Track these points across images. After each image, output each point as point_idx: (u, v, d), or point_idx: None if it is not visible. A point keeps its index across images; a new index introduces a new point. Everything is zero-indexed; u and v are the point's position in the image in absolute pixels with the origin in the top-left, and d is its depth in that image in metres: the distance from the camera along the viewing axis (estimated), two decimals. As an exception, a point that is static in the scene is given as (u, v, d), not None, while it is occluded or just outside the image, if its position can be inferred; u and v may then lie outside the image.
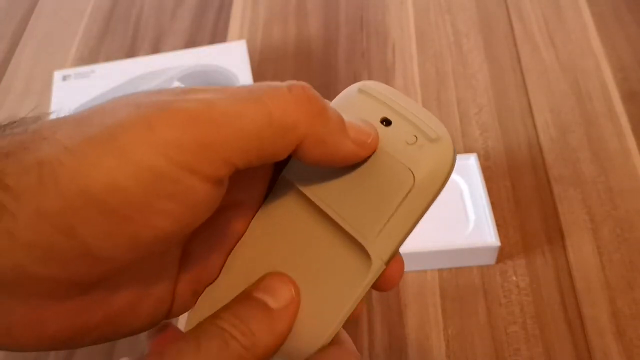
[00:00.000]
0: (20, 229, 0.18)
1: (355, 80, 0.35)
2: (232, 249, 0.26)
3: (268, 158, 0.21)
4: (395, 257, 0.24)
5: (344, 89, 0.26)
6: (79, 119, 0.20)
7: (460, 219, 0.49)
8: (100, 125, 0.19)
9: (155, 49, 0.67)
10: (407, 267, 0.50)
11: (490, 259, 0.48)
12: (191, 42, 0.67)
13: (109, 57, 0.66)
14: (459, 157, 0.52)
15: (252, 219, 0.26)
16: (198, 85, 0.26)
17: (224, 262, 0.25)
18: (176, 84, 0.58)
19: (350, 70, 0.63)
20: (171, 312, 0.24)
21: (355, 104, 0.25)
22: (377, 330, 0.45)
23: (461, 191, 0.50)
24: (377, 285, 0.24)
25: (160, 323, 0.24)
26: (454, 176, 0.51)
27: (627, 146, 0.54)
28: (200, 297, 0.25)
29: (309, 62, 0.64)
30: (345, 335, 0.24)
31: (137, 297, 0.23)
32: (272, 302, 0.23)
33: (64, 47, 0.68)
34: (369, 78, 0.62)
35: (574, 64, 0.61)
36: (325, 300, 0.23)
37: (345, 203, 0.24)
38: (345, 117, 0.23)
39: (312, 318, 0.23)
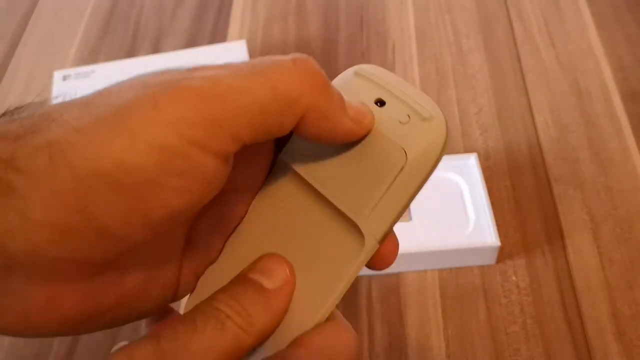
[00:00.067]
0: (33, 210, 0.18)
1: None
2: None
3: (274, 132, 0.21)
4: (389, 236, 0.24)
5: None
6: (86, 102, 0.20)
7: (460, 219, 0.49)
8: (108, 106, 0.19)
9: (155, 49, 0.67)
10: (407, 267, 0.50)
11: (490, 259, 0.48)
12: (191, 42, 0.67)
13: (109, 57, 0.66)
14: (459, 157, 0.52)
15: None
16: None
17: None
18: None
19: (350, 70, 0.63)
20: (177, 295, 0.25)
21: (351, 86, 0.25)
22: (377, 330, 0.45)
23: (461, 191, 0.50)
24: (371, 264, 0.24)
25: (164, 308, 0.25)
26: (454, 176, 0.51)
27: (627, 146, 0.54)
28: (199, 281, 0.26)
29: (309, 62, 0.64)
30: (338, 314, 0.24)
31: (146, 280, 0.23)
32: (267, 283, 0.23)
33: (64, 47, 0.68)
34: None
35: (574, 64, 0.61)
36: (320, 279, 0.24)
37: (340, 183, 0.24)
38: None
39: (307, 297, 0.24)
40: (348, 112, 0.23)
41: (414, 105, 0.24)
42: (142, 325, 0.25)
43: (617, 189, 0.51)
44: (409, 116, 0.24)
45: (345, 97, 0.23)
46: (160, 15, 0.71)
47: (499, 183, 0.52)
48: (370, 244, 0.23)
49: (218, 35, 0.68)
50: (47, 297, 0.20)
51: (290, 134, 0.23)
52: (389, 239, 0.24)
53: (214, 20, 0.69)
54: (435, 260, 0.47)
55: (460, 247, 0.47)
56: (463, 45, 0.64)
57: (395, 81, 0.25)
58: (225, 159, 0.20)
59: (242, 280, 0.24)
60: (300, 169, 0.25)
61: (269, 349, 0.23)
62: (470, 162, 0.52)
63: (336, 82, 0.26)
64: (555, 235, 0.49)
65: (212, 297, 0.23)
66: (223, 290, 0.23)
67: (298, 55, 0.22)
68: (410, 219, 0.49)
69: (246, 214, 0.26)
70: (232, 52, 0.61)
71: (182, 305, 0.25)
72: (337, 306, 0.24)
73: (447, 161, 0.51)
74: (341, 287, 0.23)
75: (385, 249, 0.24)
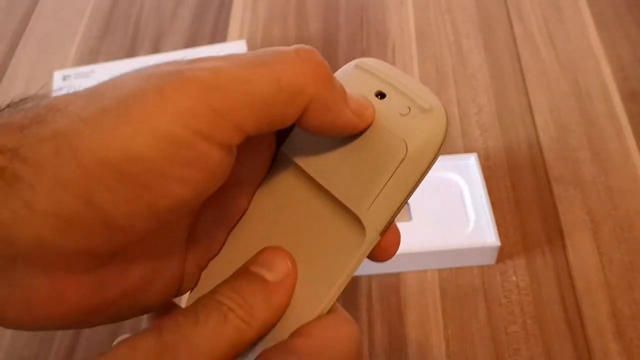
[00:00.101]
0: (39, 199, 0.18)
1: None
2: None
3: (277, 123, 0.21)
4: (390, 228, 0.24)
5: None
6: (90, 93, 0.20)
7: (460, 219, 0.49)
8: (113, 97, 0.19)
9: (155, 49, 0.67)
10: (407, 267, 0.50)
11: (490, 259, 0.48)
12: (191, 42, 0.67)
13: (109, 57, 0.66)
14: (459, 157, 0.52)
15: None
16: None
17: None
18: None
19: (350, 70, 0.63)
20: (181, 289, 0.25)
21: (351, 79, 0.25)
22: (377, 330, 0.45)
23: (461, 191, 0.50)
24: (373, 256, 0.25)
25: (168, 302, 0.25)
26: (454, 176, 0.51)
27: (627, 146, 0.54)
28: (202, 274, 0.26)
29: (309, 62, 0.64)
30: (340, 306, 0.24)
31: (150, 272, 0.23)
32: (269, 276, 0.23)
33: (64, 47, 0.68)
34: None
35: (574, 64, 0.61)
36: (322, 272, 0.24)
37: (341, 175, 0.24)
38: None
39: (309, 290, 0.24)
40: (350, 105, 0.23)
41: (414, 97, 0.24)
42: (143, 325, 0.25)
43: (617, 189, 0.51)
44: (409, 108, 0.24)
45: (347, 90, 0.23)
46: (160, 15, 0.71)
47: (499, 183, 0.52)
48: (372, 235, 0.24)
49: (218, 35, 0.68)
50: (51, 289, 0.20)
51: (292, 127, 0.23)
52: (390, 230, 0.24)
53: (214, 20, 0.69)
54: (435, 260, 0.47)
55: (460, 247, 0.47)
56: (463, 45, 0.64)
57: (395, 74, 0.25)
58: (229, 150, 0.20)
59: (244, 273, 0.24)
60: (302, 161, 0.25)
61: (271, 341, 0.23)
62: (470, 162, 0.52)
63: (337, 75, 0.26)
64: (555, 235, 0.49)
65: (214, 290, 0.23)
66: (225, 283, 0.23)
67: (301, 46, 0.22)
68: (410, 219, 0.49)
69: (248, 207, 0.26)
70: (232, 52, 0.61)
71: (184, 302, 0.25)
72: (338, 300, 0.24)
73: (447, 161, 0.51)
74: (342, 280, 0.24)
75: (387, 241, 0.24)
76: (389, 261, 0.45)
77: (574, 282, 0.47)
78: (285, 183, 0.26)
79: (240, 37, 0.67)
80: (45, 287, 0.20)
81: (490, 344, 0.44)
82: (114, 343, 0.21)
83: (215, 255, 0.26)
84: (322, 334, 0.23)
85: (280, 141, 0.26)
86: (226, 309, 0.22)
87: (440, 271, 0.48)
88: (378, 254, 0.25)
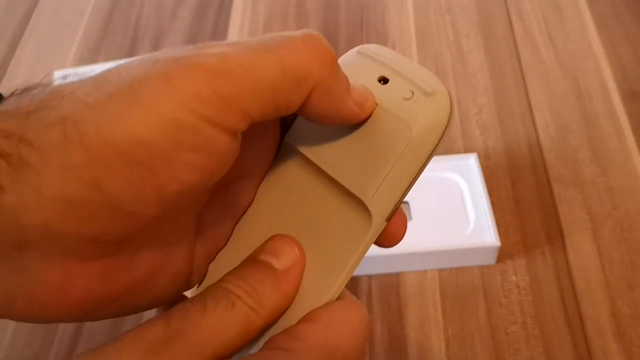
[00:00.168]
0: (46, 184, 0.18)
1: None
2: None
3: (282, 109, 0.21)
4: (396, 213, 0.24)
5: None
6: (96, 79, 0.20)
7: (460, 219, 0.49)
8: (119, 82, 0.19)
9: (155, 49, 0.67)
10: (407, 267, 0.50)
11: (490, 259, 0.48)
12: (191, 42, 0.67)
13: (109, 57, 0.66)
14: (459, 157, 0.52)
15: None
16: None
17: None
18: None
19: (350, 70, 0.63)
20: (189, 282, 0.25)
21: (354, 65, 0.25)
22: (377, 330, 0.45)
23: (461, 191, 0.50)
24: (380, 242, 0.24)
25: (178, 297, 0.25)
26: (454, 176, 0.51)
27: (627, 146, 0.54)
28: (209, 266, 0.26)
29: (309, 62, 0.64)
30: (348, 293, 0.24)
31: (158, 263, 0.23)
32: (276, 264, 0.23)
33: (64, 47, 0.68)
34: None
35: (574, 64, 0.61)
36: (329, 259, 0.24)
37: (346, 161, 0.24)
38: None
39: (317, 277, 0.24)
40: (352, 95, 0.23)
41: (417, 81, 0.24)
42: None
43: (617, 189, 0.51)
44: (412, 92, 0.24)
45: (350, 79, 0.23)
46: (160, 15, 0.71)
47: (499, 183, 0.52)
48: (378, 221, 0.23)
49: (218, 35, 0.68)
50: (60, 277, 0.20)
51: (295, 117, 0.22)
52: (396, 216, 0.24)
53: (214, 20, 0.69)
54: (435, 260, 0.47)
55: (460, 247, 0.47)
56: (463, 45, 0.64)
57: (397, 58, 0.25)
58: (234, 136, 0.20)
59: (252, 261, 0.24)
60: (306, 150, 0.25)
61: (279, 329, 0.23)
62: (470, 162, 0.52)
63: (340, 62, 0.26)
64: (555, 235, 0.49)
65: (223, 279, 0.23)
66: (233, 272, 0.23)
67: (307, 31, 0.22)
68: (410, 219, 0.49)
69: (254, 198, 0.26)
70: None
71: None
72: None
73: (447, 161, 0.51)
74: (350, 266, 0.23)
75: (393, 226, 0.24)
76: (389, 261, 0.45)
77: (574, 282, 0.47)
78: (290, 172, 0.26)
79: (240, 37, 0.67)
80: (54, 276, 0.20)
81: (490, 344, 0.44)
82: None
83: (223, 248, 0.26)
84: (330, 320, 0.22)
85: (284, 133, 0.26)
86: (234, 296, 0.22)
87: (440, 271, 0.48)
88: (385, 239, 0.24)
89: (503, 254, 0.48)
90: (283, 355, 0.21)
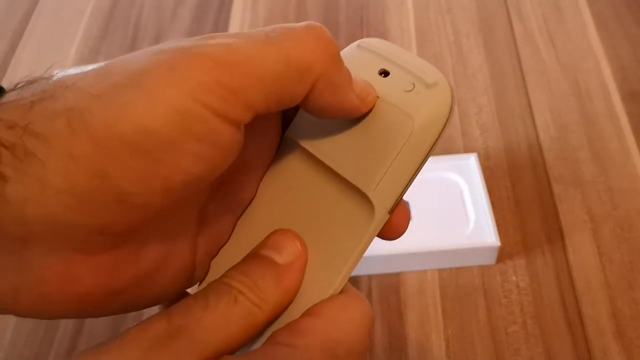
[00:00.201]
0: (51, 175, 0.18)
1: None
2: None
3: (286, 101, 0.21)
4: (399, 205, 0.24)
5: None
6: (99, 70, 0.20)
7: (460, 219, 0.49)
8: (124, 72, 0.19)
9: (155, 49, 0.67)
10: (407, 267, 0.50)
11: (490, 259, 0.48)
12: (191, 42, 0.67)
13: (109, 57, 0.66)
14: (459, 157, 0.52)
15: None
16: None
17: None
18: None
19: (350, 70, 0.63)
20: (192, 279, 0.25)
21: (354, 58, 0.25)
22: (377, 330, 0.45)
23: (461, 191, 0.50)
24: (383, 235, 0.24)
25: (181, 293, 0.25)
26: (454, 176, 0.51)
27: (627, 146, 0.54)
28: (211, 262, 0.25)
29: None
30: (351, 287, 0.24)
31: (162, 259, 0.23)
32: (278, 258, 0.23)
33: (64, 47, 0.68)
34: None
35: (574, 64, 0.61)
36: (332, 253, 0.24)
37: (348, 154, 0.24)
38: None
39: (320, 271, 0.24)
40: (354, 88, 0.23)
41: (418, 73, 0.24)
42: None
43: (617, 189, 0.51)
44: (413, 84, 0.24)
45: (350, 71, 0.23)
46: (160, 15, 0.71)
47: (499, 183, 0.52)
48: (381, 213, 0.23)
49: (218, 35, 0.68)
50: (65, 271, 0.19)
51: (295, 112, 0.22)
52: (399, 208, 0.24)
53: (214, 20, 0.69)
54: (435, 260, 0.47)
55: (460, 247, 0.47)
56: (463, 45, 0.64)
57: (398, 51, 0.25)
58: (238, 128, 0.20)
59: (253, 257, 0.24)
60: (307, 144, 0.25)
61: (283, 324, 0.23)
62: (470, 162, 0.52)
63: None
64: (555, 235, 0.49)
65: (225, 275, 0.23)
66: (235, 267, 0.23)
67: (311, 23, 0.22)
68: (410, 218, 0.49)
69: (255, 193, 0.26)
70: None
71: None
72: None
73: (447, 161, 0.51)
74: (353, 260, 0.23)
75: (396, 219, 0.24)
76: (389, 261, 0.45)
77: (574, 282, 0.47)
78: (291, 167, 0.25)
79: (240, 37, 0.67)
80: (59, 270, 0.19)
81: (490, 344, 0.44)
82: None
83: (225, 243, 0.26)
84: (333, 313, 0.22)
85: (286, 128, 0.26)
86: (236, 292, 0.22)
87: (440, 271, 0.48)
88: (387, 232, 0.24)
89: (503, 254, 0.48)
90: (285, 350, 0.21)
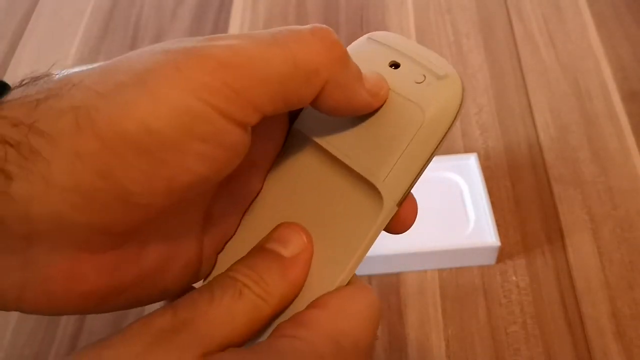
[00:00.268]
0: (57, 174, 0.18)
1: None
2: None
3: (294, 103, 0.21)
4: (407, 199, 0.24)
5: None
6: (105, 68, 0.20)
7: (460, 219, 0.49)
8: (129, 71, 0.19)
9: (155, 49, 0.67)
10: (407, 267, 0.50)
11: (490, 259, 0.48)
12: (191, 42, 0.67)
13: (109, 57, 0.66)
14: (459, 157, 0.52)
15: None
16: None
17: None
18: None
19: (350, 70, 0.63)
20: (198, 274, 0.25)
21: (365, 51, 0.25)
22: (377, 330, 0.45)
23: (461, 191, 0.50)
24: (390, 228, 0.24)
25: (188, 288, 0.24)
26: (454, 176, 0.51)
27: (627, 146, 0.54)
28: (218, 257, 0.25)
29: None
30: (358, 279, 0.24)
31: (167, 255, 0.23)
32: (284, 251, 0.23)
33: (64, 47, 0.68)
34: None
35: (574, 64, 0.61)
36: (339, 245, 0.23)
37: (357, 146, 0.24)
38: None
39: (326, 264, 0.23)
40: (365, 84, 0.23)
41: (429, 65, 0.24)
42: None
43: (617, 189, 0.51)
44: (424, 76, 0.24)
45: (361, 65, 0.23)
46: (160, 15, 0.71)
47: (499, 183, 0.52)
48: (389, 205, 0.23)
49: (218, 35, 0.68)
50: (69, 269, 0.19)
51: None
52: (407, 201, 0.24)
53: (214, 20, 0.69)
54: (435, 260, 0.47)
55: (460, 247, 0.47)
56: (463, 45, 0.64)
57: (408, 44, 0.25)
58: (244, 129, 0.20)
59: (259, 250, 0.24)
60: (315, 136, 0.25)
61: (289, 317, 0.22)
62: (470, 162, 0.52)
63: (350, 49, 0.25)
64: (555, 235, 0.49)
65: (230, 268, 0.23)
66: (240, 261, 0.23)
67: (317, 25, 0.22)
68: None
69: (262, 187, 0.26)
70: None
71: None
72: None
73: (447, 161, 0.51)
74: (360, 252, 0.23)
75: (404, 211, 0.24)
76: (389, 261, 0.44)
77: (574, 282, 0.47)
78: (298, 159, 0.25)
79: (240, 37, 0.67)
80: (63, 268, 0.19)
81: (490, 344, 0.44)
82: None
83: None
84: (338, 305, 0.22)
85: (293, 119, 0.26)
86: (241, 285, 0.22)
87: (440, 271, 0.48)
88: (395, 225, 0.24)
89: (503, 254, 0.48)
90: (290, 342, 0.21)
